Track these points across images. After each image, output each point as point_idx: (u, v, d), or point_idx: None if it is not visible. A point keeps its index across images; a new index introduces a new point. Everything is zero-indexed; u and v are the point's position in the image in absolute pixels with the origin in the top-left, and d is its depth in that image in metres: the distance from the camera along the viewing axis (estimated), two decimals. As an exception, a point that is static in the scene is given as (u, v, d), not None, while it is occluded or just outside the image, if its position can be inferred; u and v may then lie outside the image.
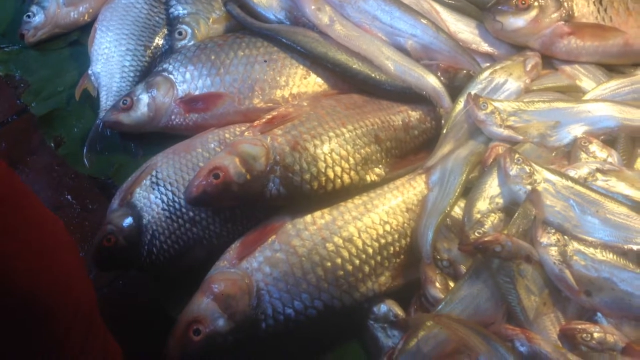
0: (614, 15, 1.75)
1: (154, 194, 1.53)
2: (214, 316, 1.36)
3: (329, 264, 1.41)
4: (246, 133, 1.52)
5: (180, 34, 1.85)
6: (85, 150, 1.77)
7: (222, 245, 1.48)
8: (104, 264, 1.52)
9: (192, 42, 1.84)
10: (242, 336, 1.36)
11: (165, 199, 1.51)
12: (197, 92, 1.69)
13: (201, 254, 1.51)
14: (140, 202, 1.53)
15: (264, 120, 1.55)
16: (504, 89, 1.70)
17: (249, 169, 1.42)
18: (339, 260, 1.42)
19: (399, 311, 1.43)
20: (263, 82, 1.69)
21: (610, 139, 1.58)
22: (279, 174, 1.44)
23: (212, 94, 1.67)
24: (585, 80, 1.74)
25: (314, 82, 1.73)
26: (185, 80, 1.70)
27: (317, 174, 1.47)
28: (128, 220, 1.51)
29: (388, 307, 1.44)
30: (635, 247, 1.31)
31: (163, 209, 1.51)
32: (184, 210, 1.50)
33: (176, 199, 1.51)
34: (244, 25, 1.83)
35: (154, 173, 1.56)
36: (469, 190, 1.52)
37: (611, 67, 1.79)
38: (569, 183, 1.41)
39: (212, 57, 1.72)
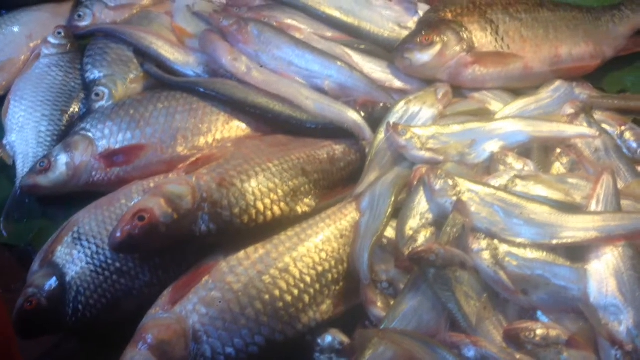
0: (510, 43, 1.89)
1: (77, 249, 1.45)
2: (149, 367, 1.27)
3: (267, 296, 1.36)
4: (170, 175, 1.50)
5: (97, 95, 1.85)
6: (2, 220, 1.68)
7: (153, 295, 1.41)
8: (27, 330, 1.41)
9: (110, 103, 1.83)
10: (181, 384, 1.28)
11: (89, 252, 1.44)
12: (117, 147, 1.66)
13: (132, 305, 1.43)
14: (62, 259, 1.45)
15: (188, 162, 1.54)
16: (419, 116, 1.78)
17: (175, 209, 1.39)
18: (277, 292, 1.37)
19: (344, 338, 1.39)
20: (185, 131, 1.70)
21: (524, 150, 1.66)
22: (208, 210, 1.42)
23: (133, 146, 1.66)
24: (494, 103, 1.85)
25: (237, 127, 1.75)
26: (104, 135, 1.68)
27: (246, 208, 1.46)
28: (50, 280, 1.42)
29: (332, 337, 1.40)
30: (562, 241, 1.35)
31: (87, 263, 1.43)
32: (109, 262, 1.44)
33: (100, 251, 1.44)
34: (163, 82, 1.85)
35: (75, 229, 1.49)
36: (399, 212, 1.54)
37: (517, 92, 1.91)
38: (491, 190, 1.45)
39: (131, 112, 1.72)
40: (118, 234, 1.35)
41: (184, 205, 1.40)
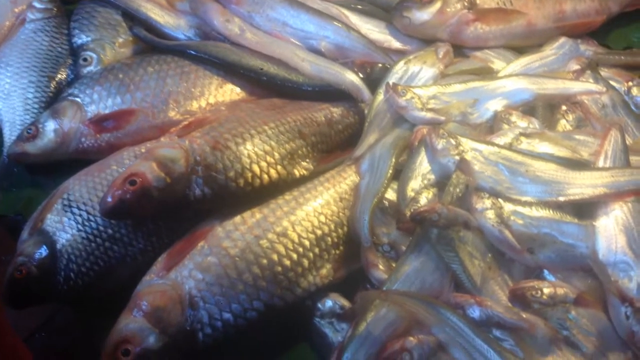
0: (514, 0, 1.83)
1: (67, 216, 1.40)
2: (144, 333, 1.22)
3: (264, 261, 1.32)
4: (162, 139, 1.45)
5: (85, 60, 1.78)
6: (-10, 189, 1.63)
7: (147, 262, 1.37)
8: (18, 299, 1.37)
9: (98, 68, 1.76)
10: (178, 351, 1.24)
11: (79, 219, 1.39)
12: (107, 112, 1.60)
13: (125, 273, 1.39)
14: (52, 227, 1.40)
15: (180, 126, 1.48)
16: (419, 76, 1.72)
17: (168, 173, 1.33)
18: (275, 256, 1.33)
19: (344, 302, 1.35)
20: (177, 95, 1.63)
21: (528, 109, 1.60)
22: (202, 174, 1.36)
23: (123, 110, 1.60)
24: (497, 62, 1.79)
25: (231, 91, 1.69)
26: (93, 100, 1.62)
27: (242, 171, 1.40)
28: (40, 248, 1.37)
29: (333, 301, 1.36)
30: (569, 198, 1.30)
31: (78, 230, 1.38)
32: (101, 228, 1.39)
33: (91, 217, 1.39)
34: (153, 45, 1.79)
35: (65, 196, 1.44)
36: (400, 174, 1.49)
37: (520, 50, 1.84)
38: (495, 149, 1.40)
39: (120, 76, 1.65)
40: (109, 199, 1.30)
41: (176, 169, 1.35)
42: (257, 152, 1.45)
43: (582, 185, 1.30)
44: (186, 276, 1.29)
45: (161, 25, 1.82)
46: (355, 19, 1.87)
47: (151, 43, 1.78)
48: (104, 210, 1.32)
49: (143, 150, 1.52)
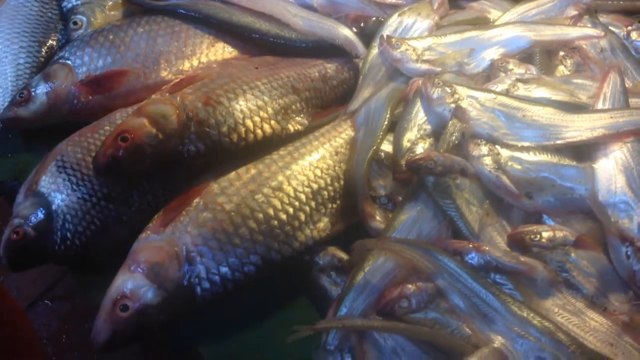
0: (509, -53, 1.78)
1: (62, 177, 1.39)
2: (142, 289, 1.22)
3: (260, 215, 1.31)
4: (153, 96, 1.43)
5: (75, 23, 1.76)
6: (-15, 156, 1.62)
7: (144, 220, 1.35)
8: (16, 261, 1.37)
9: (88, 31, 1.74)
10: (176, 305, 1.24)
11: (74, 179, 1.38)
12: (98, 73, 1.58)
13: (122, 232, 1.38)
14: (48, 188, 1.39)
15: (171, 83, 1.46)
16: (414, 28, 1.68)
17: (160, 129, 1.32)
18: (271, 211, 1.32)
19: (342, 255, 1.34)
20: (168, 54, 1.61)
21: (526, 57, 1.57)
22: (194, 129, 1.35)
23: (114, 71, 1.57)
24: (494, 11, 1.76)
25: (223, 49, 1.67)
26: (84, 62, 1.60)
27: (235, 126, 1.39)
28: (36, 210, 1.37)
29: (331, 254, 1.35)
30: (567, 141, 1.28)
31: (73, 190, 1.38)
32: (96, 187, 1.38)
33: (86, 177, 1.38)
34: (143, 6, 1.76)
35: (59, 157, 1.43)
36: (396, 126, 1.47)
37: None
38: (492, 95, 1.38)
39: (111, 37, 1.63)
40: (101, 157, 1.30)
41: (168, 125, 1.33)
42: (249, 107, 1.43)
43: (581, 127, 1.28)
44: (182, 232, 1.28)
45: (151, -15, 1.79)
46: (348, -26, 1.84)
47: (141, 4, 1.75)
48: (97, 168, 1.31)
49: (136, 110, 1.51)
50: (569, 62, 1.52)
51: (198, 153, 1.35)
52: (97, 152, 1.31)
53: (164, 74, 1.59)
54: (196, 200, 1.33)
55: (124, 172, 1.35)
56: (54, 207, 1.37)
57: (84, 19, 1.76)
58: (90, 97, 1.57)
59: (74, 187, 1.38)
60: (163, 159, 1.34)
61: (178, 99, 1.38)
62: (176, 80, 1.48)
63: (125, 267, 1.25)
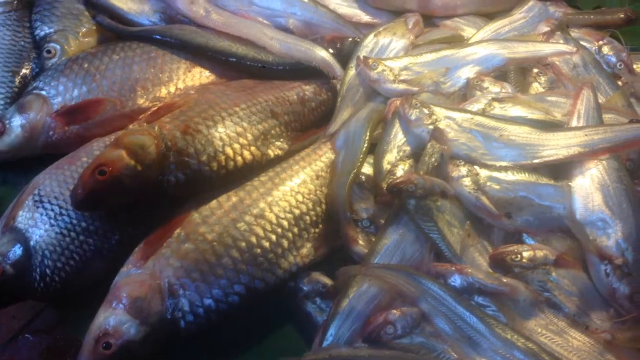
0: (482, -36, 1.81)
1: (39, 212, 1.37)
2: (125, 325, 1.21)
3: (243, 244, 1.30)
4: (131, 126, 1.42)
5: (49, 52, 1.73)
6: (-40, 191, 1.60)
7: (125, 253, 1.34)
8: (-6, 300, 1.34)
9: (63, 59, 1.72)
10: (160, 340, 1.22)
11: (52, 214, 1.36)
12: (73, 103, 1.57)
13: (103, 266, 1.36)
14: (25, 224, 1.37)
15: (149, 112, 1.45)
16: (390, 48, 1.70)
17: (138, 160, 1.31)
18: (253, 239, 1.32)
19: (327, 281, 1.34)
20: (144, 81, 1.60)
21: (501, 74, 1.59)
22: (173, 159, 1.34)
23: (89, 100, 1.56)
24: (467, 29, 1.78)
25: (200, 74, 1.66)
26: (59, 92, 1.58)
27: (214, 154, 1.38)
28: (13, 246, 1.34)
29: (315, 280, 1.35)
30: (544, 160, 1.30)
31: (51, 225, 1.35)
32: (74, 222, 1.36)
33: (64, 212, 1.36)
34: (118, 33, 1.75)
35: (36, 192, 1.40)
36: (376, 147, 1.48)
37: (490, 16, 1.82)
38: (469, 115, 1.39)
39: (85, 66, 1.62)
40: (79, 191, 1.28)
41: (147, 156, 1.32)
42: (229, 134, 1.42)
43: (556, 146, 1.30)
44: (164, 264, 1.27)
45: (125, 11, 1.79)
46: (322, -6, 1.85)
47: (115, 31, 1.74)
48: (75, 203, 1.29)
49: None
50: (542, 79, 1.54)
51: (178, 183, 1.34)
52: (75, 186, 1.30)
53: (141, 101, 1.58)
54: (177, 230, 1.32)
55: (102, 206, 1.33)
56: (32, 243, 1.35)
57: (58, 47, 1.74)
58: (66, 128, 1.55)
59: (52, 221, 1.36)
60: (142, 190, 1.32)
61: (156, 128, 1.38)
62: (154, 109, 1.47)
63: (107, 302, 1.24)
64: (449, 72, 1.58)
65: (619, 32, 1.76)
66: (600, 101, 1.45)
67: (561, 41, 1.61)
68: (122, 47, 1.66)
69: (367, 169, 1.46)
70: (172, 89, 1.60)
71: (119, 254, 1.36)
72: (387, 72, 1.58)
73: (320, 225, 1.41)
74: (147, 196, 1.34)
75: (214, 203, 1.37)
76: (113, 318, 1.21)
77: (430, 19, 1.83)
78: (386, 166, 1.41)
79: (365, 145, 1.47)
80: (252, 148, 1.44)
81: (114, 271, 1.32)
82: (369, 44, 1.70)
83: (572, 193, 1.25)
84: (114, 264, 1.33)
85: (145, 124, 1.40)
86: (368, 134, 1.49)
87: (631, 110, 1.46)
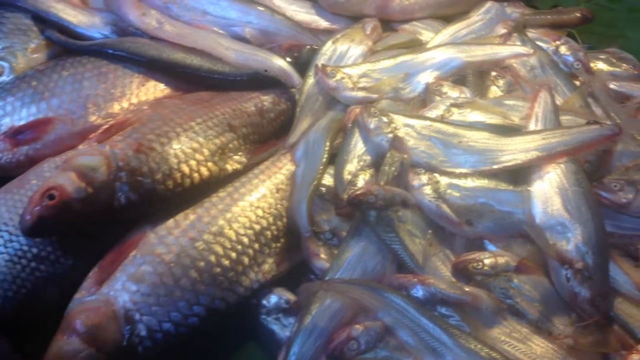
0: (437, -32, 1.79)
1: (-13, 239, 1.32)
2: (80, 354, 1.16)
3: (202, 264, 1.27)
4: (80, 146, 1.37)
5: (-4, 70, 1.67)
6: None
7: (79, 278, 1.29)
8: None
9: (11, 77, 1.65)
10: (118, 368, 1.19)
11: (1, 241, 1.31)
12: (22, 123, 1.51)
13: (56, 293, 1.31)
14: (-27, 252, 1.32)
15: (100, 131, 1.41)
16: (348, 55, 1.68)
17: (89, 182, 1.27)
18: (212, 258, 1.28)
19: (290, 297, 1.32)
20: (96, 98, 1.54)
21: (460, 78, 1.58)
22: (126, 179, 1.30)
23: (39, 120, 1.50)
24: (425, 33, 1.77)
25: (154, 88, 1.61)
26: (6, 113, 1.51)
27: (170, 172, 1.34)
28: (-39, 276, 1.29)
29: (278, 296, 1.32)
30: (503, 165, 1.29)
31: (1, 253, 1.30)
32: (25, 248, 1.30)
33: (14, 238, 1.31)
34: (68, 47, 1.69)
35: (-16, 218, 1.35)
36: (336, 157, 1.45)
37: (448, 19, 1.82)
38: (427, 122, 1.38)
39: (34, 84, 1.55)
40: (28, 217, 1.23)
41: (98, 177, 1.28)
42: (184, 151, 1.38)
43: (515, 151, 1.29)
44: (119, 289, 1.23)
45: (75, 25, 1.72)
46: (279, 1, 1.82)
47: (65, 45, 1.68)
48: (25, 230, 1.24)
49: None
50: (501, 82, 1.54)
51: (131, 204, 1.30)
52: (23, 212, 1.25)
53: (92, 118, 1.53)
54: (133, 252, 1.28)
55: (53, 232, 1.29)
56: (-20, 273, 1.30)
57: (6, 65, 1.67)
58: (15, 149, 1.49)
59: (2, 248, 1.30)
60: (94, 213, 1.28)
61: (107, 148, 1.33)
62: (105, 127, 1.42)
63: (61, 331, 1.19)
64: (408, 78, 1.57)
65: (576, 31, 1.77)
66: (558, 102, 1.45)
67: (518, 43, 1.61)
68: (72, 63, 1.60)
69: (328, 180, 1.44)
70: (125, 105, 1.55)
71: (73, 279, 1.31)
72: (346, 80, 1.55)
73: (282, 240, 1.38)
74: (99, 219, 1.30)
75: (170, 222, 1.33)
76: (67, 347, 1.17)
77: (389, 24, 1.82)
78: (347, 177, 1.39)
79: (325, 155, 1.45)
80: (209, 164, 1.41)
81: (69, 298, 1.27)
82: (327, 52, 1.67)
83: (532, 198, 1.24)
84: (69, 291, 1.29)
85: (95, 144, 1.36)
86: (328, 144, 1.47)
87: (589, 111, 1.47)
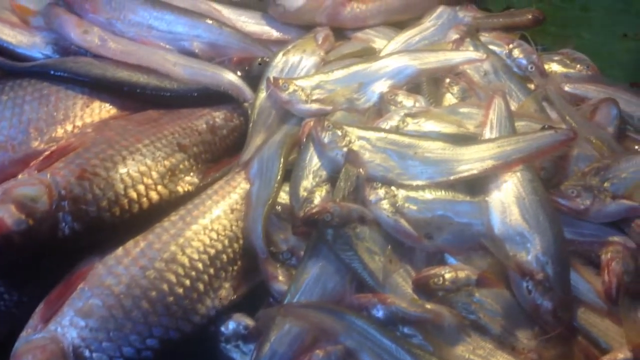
0: (386, -26, 1.77)
1: None
2: (27, 397, 1.10)
3: (154, 293, 1.21)
4: (20, 176, 1.30)
5: None
6: None
7: (25, 314, 1.23)
8: None
9: (-53, 103, 1.57)
10: (68, 409, 1.12)
11: (-61, 279, 1.24)
12: (-41, 153, 1.43)
13: (2, 330, 1.24)
14: None
15: (41, 158, 1.34)
16: (301, 66, 1.64)
17: (29, 213, 1.20)
18: (165, 286, 1.23)
19: (249, 322, 1.27)
20: (38, 122, 1.47)
21: (415, 86, 1.56)
22: (69, 209, 1.24)
23: (-22, 148, 1.43)
24: (378, 40, 1.75)
25: (100, 109, 1.54)
26: (-57, 140, 1.44)
27: (116, 198, 1.29)
28: None
29: (236, 322, 1.27)
30: (459, 176, 1.26)
31: (-62, 293, 1.23)
32: (-35, 286, 1.24)
33: (-48, 275, 1.24)
34: (7, 70, 1.60)
35: None
36: (291, 174, 1.41)
37: (401, 25, 1.79)
38: (382, 134, 1.35)
39: (-29, 110, 1.48)
40: (-36, 255, 1.16)
41: (39, 208, 1.22)
42: (131, 175, 1.33)
43: (470, 160, 1.27)
44: (67, 325, 1.16)
45: (14, 45, 1.64)
46: (227, 12, 1.78)
47: (4, 67, 1.60)
48: (-39, 268, 1.17)
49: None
50: (455, 88, 1.51)
51: (77, 234, 1.24)
52: (-41, 249, 1.17)
53: (35, 144, 1.45)
54: (80, 285, 1.22)
55: (-8, 267, 1.22)
56: None
57: (-60, 91, 1.59)
58: (-47, 181, 1.41)
59: (-62, 287, 1.23)
60: (37, 246, 1.22)
61: (48, 176, 1.27)
62: (46, 154, 1.35)
63: (5, 375, 1.13)
64: (362, 88, 1.54)
65: (529, 32, 1.77)
66: (512, 108, 1.44)
67: (471, 48, 1.59)
68: (12, 87, 1.52)
69: (284, 197, 1.40)
70: (69, 128, 1.48)
71: (19, 316, 1.24)
72: (299, 92, 1.51)
73: (239, 262, 1.34)
74: (43, 251, 1.23)
75: (120, 251, 1.27)
76: (13, 391, 1.11)
77: (341, 32, 1.79)
78: (302, 193, 1.35)
79: (280, 172, 1.40)
80: (159, 187, 1.35)
81: (15, 336, 1.21)
82: (278, 64, 1.63)
83: (489, 208, 1.22)
84: (14, 328, 1.22)
85: (36, 172, 1.29)
86: (282, 160, 1.43)
87: (544, 115, 1.45)
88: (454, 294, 1.17)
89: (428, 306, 1.14)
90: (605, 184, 1.24)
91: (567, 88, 1.57)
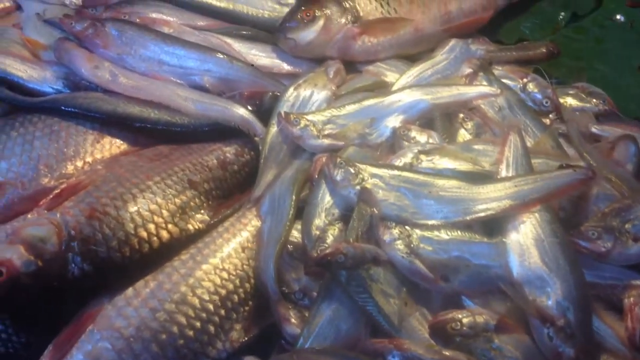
0: (397, 7, 1.76)
1: None
2: None
3: (164, 336, 1.19)
4: (29, 215, 1.28)
5: (-61, 133, 1.58)
6: None
7: (33, 356, 1.20)
8: None
9: (-44, 139, 1.56)
10: None
11: (-55, 321, 1.22)
12: (-32, 190, 1.42)
13: (8, 376, 1.22)
14: None
15: (50, 196, 1.32)
16: (312, 100, 1.62)
17: (38, 255, 1.18)
18: (175, 329, 1.20)
19: (261, 365, 1.24)
20: (48, 158, 1.46)
21: (427, 121, 1.54)
22: (79, 250, 1.22)
23: (-13, 185, 1.42)
24: (390, 74, 1.72)
25: (110, 145, 1.53)
26: (-49, 178, 1.43)
27: (126, 238, 1.27)
28: None
29: (248, 365, 1.25)
30: (476, 216, 1.24)
31: (-55, 335, 1.21)
32: (-28, 328, 1.22)
33: (-41, 317, 1.22)
34: (17, 105, 1.60)
35: None
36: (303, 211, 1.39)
37: (413, 58, 1.78)
38: (396, 172, 1.32)
39: (-20, 146, 1.47)
40: (-28, 298, 1.14)
41: (48, 249, 1.20)
42: (142, 214, 1.31)
43: (487, 199, 1.24)
44: (75, 370, 1.14)
45: (25, 80, 1.64)
46: (238, 46, 1.76)
47: (14, 102, 1.59)
48: (-32, 311, 1.15)
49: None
50: (469, 124, 1.50)
51: (85, 275, 1.22)
52: (-33, 292, 1.15)
53: (45, 181, 1.43)
54: (90, 327, 1.19)
55: (3, 309, 1.20)
56: None
57: (-51, 126, 1.58)
58: (-39, 218, 1.40)
59: (-54, 330, 1.21)
60: (46, 287, 1.19)
61: (58, 215, 1.25)
62: (56, 192, 1.33)
63: (11, 423, 1.10)
64: (375, 123, 1.52)
65: (542, 65, 1.75)
66: (528, 144, 1.41)
67: (484, 82, 1.58)
68: (22, 122, 1.52)
69: (296, 235, 1.37)
70: (80, 164, 1.46)
71: (27, 358, 1.22)
72: (311, 128, 1.50)
73: (250, 303, 1.31)
74: (52, 292, 1.21)
75: (129, 291, 1.24)
76: None
77: (352, 65, 1.78)
78: (315, 232, 1.32)
79: (292, 210, 1.38)
80: (170, 226, 1.33)
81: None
82: (289, 98, 1.62)
83: (507, 250, 1.19)
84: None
85: (45, 212, 1.27)
86: (294, 197, 1.41)
87: (561, 152, 1.43)
88: (472, 339, 1.13)
89: (446, 352, 1.11)
90: (627, 226, 1.21)
91: (594, 129, 1.54)
